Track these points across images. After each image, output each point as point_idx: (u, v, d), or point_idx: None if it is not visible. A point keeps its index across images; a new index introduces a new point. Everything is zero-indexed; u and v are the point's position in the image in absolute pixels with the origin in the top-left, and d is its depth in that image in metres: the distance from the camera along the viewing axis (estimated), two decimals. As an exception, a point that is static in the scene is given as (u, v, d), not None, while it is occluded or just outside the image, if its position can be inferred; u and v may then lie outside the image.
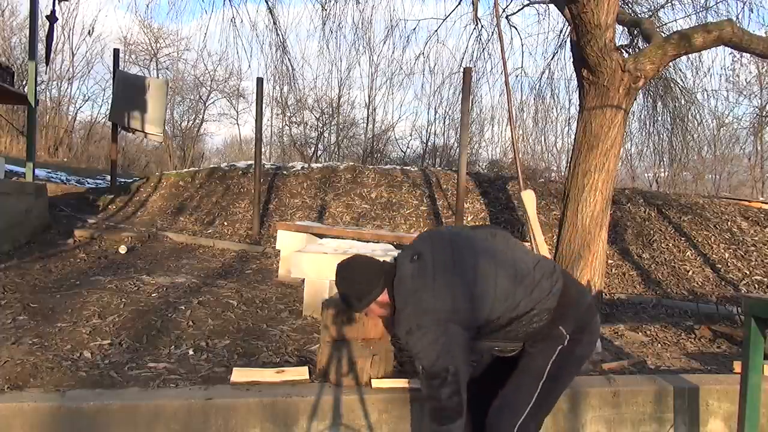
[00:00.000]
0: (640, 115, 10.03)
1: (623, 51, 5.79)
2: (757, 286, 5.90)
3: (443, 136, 15.51)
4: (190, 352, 3.25)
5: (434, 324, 1.98)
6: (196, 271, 5.15)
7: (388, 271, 2.16)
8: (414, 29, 12.08)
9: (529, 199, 3.78)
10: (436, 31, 9.26)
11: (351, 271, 2.19)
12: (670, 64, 6.98)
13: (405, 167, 9.46)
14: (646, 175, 15.59)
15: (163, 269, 5.11)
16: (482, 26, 8.80)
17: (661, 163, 11.53)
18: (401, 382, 2.83)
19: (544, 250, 3.98)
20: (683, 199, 7.89)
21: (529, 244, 4.39)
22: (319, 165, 8.99)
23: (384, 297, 2.15)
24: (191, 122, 20.16)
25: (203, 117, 20.40)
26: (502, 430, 2.16)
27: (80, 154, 16.00)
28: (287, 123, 17.52)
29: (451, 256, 2.09)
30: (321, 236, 5.09)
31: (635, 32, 6.98)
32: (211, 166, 10.63)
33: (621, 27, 6.95)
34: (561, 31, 8.93)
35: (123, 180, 9.52)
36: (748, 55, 8.22)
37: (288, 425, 2.63)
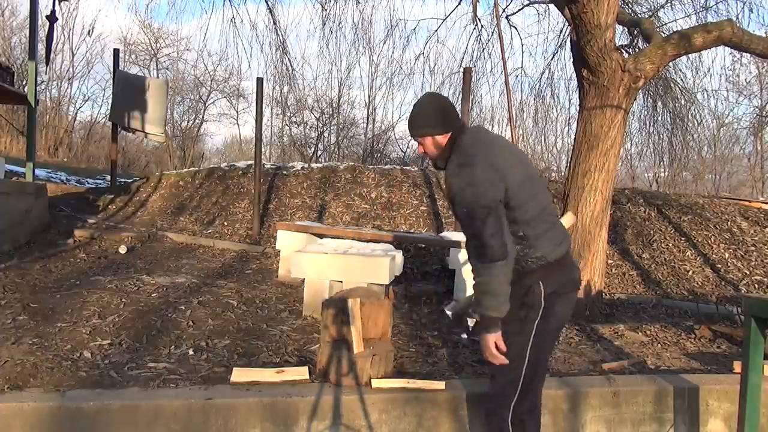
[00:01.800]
0: (640, 115, 10.05)
1: (623, 51, 5.79)
2: (757, 286, 5.90)
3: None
4: (190, 352, 3.25)
5: (488, 168, 2.10)
6: (196, 271, 5.15)
7: (460, 126, 2.28)
8: (414, 29, 12.12)
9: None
10: (436, 31, 9.29)
11: (436, 103, 2.31)
12: (670, 64, 6.99)
13: (405, 167, 9.46)
14: (646, 175, 15.59)
15: (163, 269, 5.11)
16: (482, 26, 8.82)
17: (661, 163, 11.54)
18: (401, 382, 2.83)
19: None
20: (683, 199, 7.89)
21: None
22: (319, 165, 8.99)
23: (443, 139, 2.26)
24: (191, 122, 20.17)
25: (203, 117, 20.41)
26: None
27: (80, 154, 16.00)
28: (287, 123, 17.54)
29: (521, 153, 2.34)
30: (321, 236, 5.09)
31: (635, 32, 6.98)
32: (211, 166, 10.63)
33: (621, 27, 6.96)
34: (561, 31, 8.95)
35: (123, 180, 9.52)
36: (748, 55, 8.22)
37: (288, 425, 2.63)
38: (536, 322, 2.15)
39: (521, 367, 2.17)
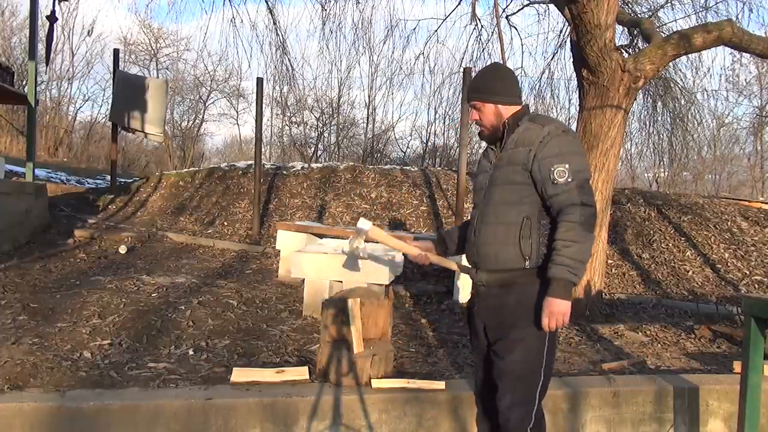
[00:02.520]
0: (640, 115, 10.05)
1: (623, 51, 5.79)
2: (757, 286, 5.90)
3: (443, 136, 15.51)
4: (190, 352, 3.25)
5: (579, 140, 2.15)
6: (196, 271, 5.15)
7: (526, 104, 2.22)
8: (414, 29, 12.11)
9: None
10: (436, 31, 9.29)
11: (506, 73, 2.25)
12: (670, 64, 6.99)
13: (405, 167, 9.46)
14: (646, 175, 15.59)
15: (163, 269, 5.11)
16: (482, 26, 8.82)
17: (661, 163, 11.54)
18: (401, 382, 2.83)
19: None
20: (683, 199, 7.89)
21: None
22: (319, 165, 8.99)
23: (507, 110, 2.16)
24: (191, 122, 20.17)
25: (203, 117, 20.40)
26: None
27: (80, 154, 15.99)
28: (287, 123, 17.54)
29: None
30: (321, 236, 5.09)
31: (635, 32, 6.98)
32: (211, 166, 10.63)
33: (621, 27, 6.96)
34: (561, 31, 8.94)
35: (123, 180, 9.52)
36: (748, 55, 8.22)
37: (288, 425, 2.63)
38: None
39: (539, 372, 2.09)
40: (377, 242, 2.48)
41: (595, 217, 2.01)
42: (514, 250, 2.06)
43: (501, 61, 4.93)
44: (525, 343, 2.06)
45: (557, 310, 1.98)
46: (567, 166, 2.00)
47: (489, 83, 2.18)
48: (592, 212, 2.00)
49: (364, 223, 2.39)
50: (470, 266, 2.24)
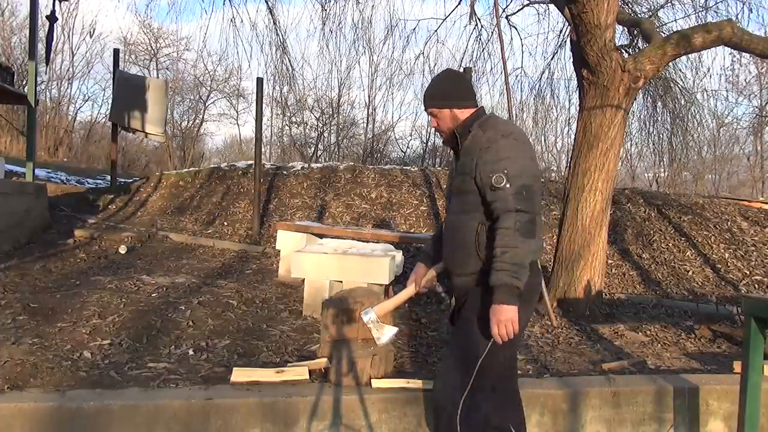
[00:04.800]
0: (640, 115, 10.04)
1: (623, 51, 5.79)
2: (757, 286, 5.90)
3: (443, 136, 15.48)
4: (190, 352, 3.25)
5: (525, 141, 2.11)
6: (196, 271, 5.15)
7: (480, 106, 2.24)
8: (414, 29, 12.08)
9: None
10: (436, 31, 9.27)
11: (458, 77, 2.32)
12: (670, 64, 6.99)
13: (405, 167, 9.45)
14: (646, 175, 15.57)
15: (163, 269, 5.11)
16: (482, 26, 8.81)
17: (661, 163, 11.53)
18: (401, 382, 2.83)
19: None
20: (683, 199, 7.89)
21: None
22: (319, 165, 8.98)
23: (464, 113, 2.20)
24: (191, 122, 20.14)
25: (203, 117, 20.37)
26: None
27: (80, 154, 15.98)
28: (287, 123, 17.52)
29: None
30: (321, 236, 5.08)
31: (635, 32, 6.98)
32: (211, 166, 10.62)
33: (621, 27, 6.95)
34: (561, 31, 8.94)
35: (123, 180, 9.51)
36: (748, 55, 8.23)
37: (288, 425, 2.64)
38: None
39: (470, 373, 2.11)
40: (384, 316, 2.55)
41: (532, 222, 2.03)
42: (473, 256, 2.14)
43: (501, 61, 4.92)
44: (471, 331, 2.16)
45: (504, 317, 2.01)
46: (505, 171, 2.03)
47: (442, 89, 2.23)
48: (528, 218, 2.02)
49: (367, 314, 2.44)
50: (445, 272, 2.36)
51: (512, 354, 2.25)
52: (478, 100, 2.26)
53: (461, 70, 7.72)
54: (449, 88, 2.23)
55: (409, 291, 2.48)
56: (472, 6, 7.94)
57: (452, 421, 2.13)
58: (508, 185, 2.02)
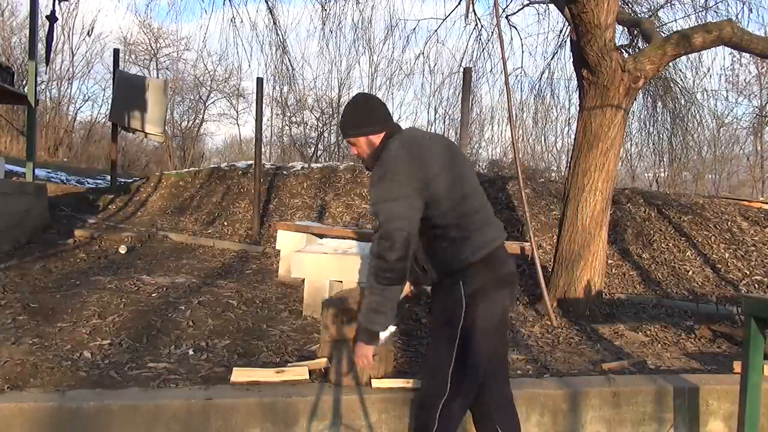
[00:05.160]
0: (640, 115, 10.05)
1: (623, 51, 5.79)
2: (757, 286, 5.90)
3: (443, 136, 15.49)
4: (190, 352, 3.25)
5: (406, 183, 2.06)
6: (196, 271, 5.15)
7: (394, 124, 2.27)
8: (414, 29, 12.09)
9: None
10: (435, 31, 9.30)
11: (365, 103, 2.31)
12: (670, 64, 6.99)
13: (405, 167, 9.41)
14: (646, 175, 15.57)
15: (163, 269, 5.11)
16: (482, 26, 8.82)
17: (661, 163, 11.53)
18: (401, 382, 2.84)
19: None
20: (683, 199, 7.89)
21: (529, 244, 4.40)
22: (319, 165, 8.98)
23: (377, 138, 2.24)
24: (191, 122, 20.16)
25: (203, 117, 20.39)
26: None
27: (80, 154, 15.99)
28: (287, 123, 17.52)
29: (455, 155, 2.26)
30: (321, 236, 5.08)
31: (635, 32, 6.98)
32: (211, 166, 10.62)
33: (621, 27, 6.96)
34: (561, 31, 8.94)
35: (123, 180, 9.52)
36: (748, 55, 8.23)
37: (288, 425, 2.64)
38: (460, 325, 2.14)
39: (447, 370, 2.16)
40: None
41: (385, 270, 2.05)
42: (423, 276, 2.34)
43: (501, 61, 4.91)
44: (433, 340, 2.29)
45: (359, 352, 2.20)
46: (377, 215, 2.09)
47: (353, 117, 2.26)
48: (381, 265, 2.05)
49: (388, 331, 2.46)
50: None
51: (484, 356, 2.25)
52: (391, 120, 2.28)
53: (461, 70, 7.72)
54: (360, 116, 2.26)
55: (404, 290, 2.52)
56: (469, 4, 7.93)
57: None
58: (375, 231, 2.11)
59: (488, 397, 2.31)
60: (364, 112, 2.26)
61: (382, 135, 2.23)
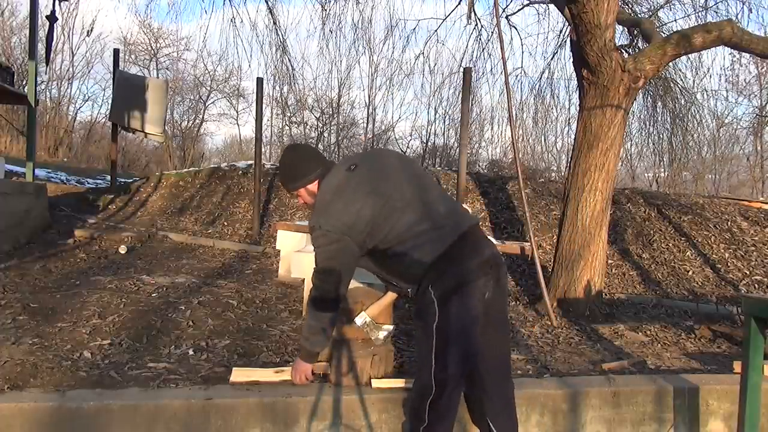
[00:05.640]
0: (640, 115, 10.05)
1: (623, 51, 5.79)
2: (757, 286, 5.90)
3: (443, 136, 15.50)
4: (190, 352, 3.25)
5: (334, 231, 2.22)
6: (196, 271, 5.15)
7: (326, 166, 2.39)
8: (414, 29, 12.10)
9: None
10: (435, 31, 9.30)
11: (295, 155, 2.43)
12: (670, 64, 6.99)
13: (405, 167, 9.41)
14: (646, 175, 15.57)
15: (163, 269, 5.11)
16: (482, 26, 8.83)
17: (661, 163, 11.54)
18: (401, 382, 2.83)
19: None
20: (683, 199, 7.89)
21: (529, 244, 4.40)
22: (319, 165, 8.96)
23: (314, 187, 2.39)
24: (191, 122, 20.15)
25: (203, 117, 20.38)
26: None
27: (80, 154, 15.99)
28: (287, 123, 17.52)
29: (382, 175, 2.31)
30: (321, 236, 5.08)
31: (635, 32, 6.98)
32: (211, 166, 10.62)
33: (621, 27, 6.96)
34: (561, 31, 8.95)
35: (123, 180, 9.52)
36: (748, 55, 8.23)
37: (288, 425, 2.63)
38: (434, 326, 2.17)
39: (430, 369, 2.20)
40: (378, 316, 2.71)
41: (320, 300, 2.33)
42: (393, 288, 2.51)
43: (501, 61, 4.91)
44: (416, 342, 2.48)
45: (297, 368, 2.52)
46: (315, 256, 2.32)
47: (288, 173, 2.41)
48: (315, 295, 2.34)
49: (361, 317, 2.63)
50: None
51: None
52: (320, 165, 2.39)
53: (461, 70, 7.72)
54: (293, 170, 2.39)
55: (394, 293, 2.60)
56: (471, 6, 7.93)
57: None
58: (317, 267, 2.34)
59: (483, 393, 2.32)
60: (295, 166, 2.39)
61: (317, 182, 2.37)
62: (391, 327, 2.48)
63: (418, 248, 2.20)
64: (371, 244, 2.26)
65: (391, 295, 2.61)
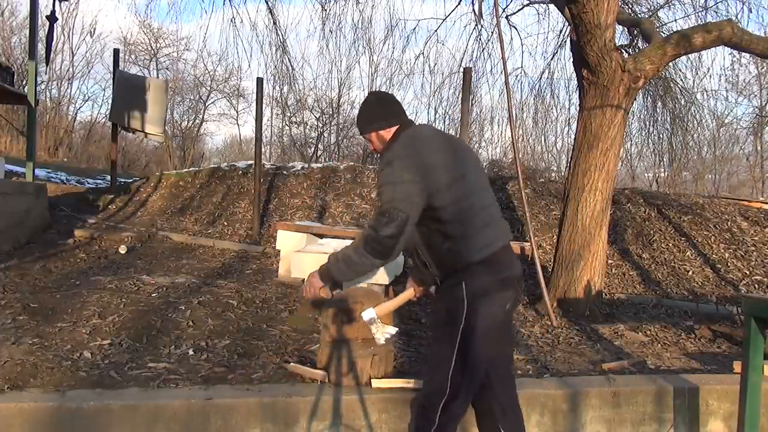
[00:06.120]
0: (640, 115, 10.05)
1: (623, 51, 5.79)
2: (757, 286, 5.90)
3: (443, 136, 15.48)
4: (190, 352, 3.25)
5: (409, 170, 2.11)
6: (196, 271, 5.15)
7: (405, 120, 2.35)
8: (414, 29, 12.10)
9: None
10: (435, 31, 9.31)
11: (376, 100, 2.42)
12: (670, 64, 6.99)
13: (405, 167, 9.40)
14: (646, 175, 15.57)
15: (163, 269, 5.11)
16: (482, 26, 8.82)
17: (661, 163, 11.54)
18: (401, 382, 2.83)
19: None
20: (683, 199, 7.89)
21: (529, 244, 4.40)
22: (319, 165, 8.98)
23: (388, 133, 2.33)
24: (191, 122, 20.16)
25: (203, 117, 20.40)
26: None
27: (80, 154, 16.00)
28: (287, 123, 17.54)
29: (465, 153, 2.33)
30: (321, 236, 5.08)
31: (635, 32, 6.98)
32: (211, 166, 10.62)
33: (621, 27, 6.96)
34: (561, 31, 8.95)
35: (123, 180, 9.52)
36: (748, 55, 8.23)
37: (288, 425, 2.64)
38: (460, 327, 2.14)
39: (447, 371, 2.16)
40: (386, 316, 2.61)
41: (374, 241, 2.12)
42: (425, 273, 2.34)
43: (501, 61, 4.91)
44: (434, 341, 2.32)
45: (310, 281, 2.40)
46: (380, 196, 2.17)
47: (366, 115, 2.38)
48: (372, 236, 2.13)
49: (368, 314, 2.48)
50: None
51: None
52: (403, 115, 2.35)
53: (461, 70, 7.72)
54: (371, 113, 2.37)
55: (408, 293, 2.52)
56: (479, 6, 7.94)
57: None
58: (377, 208, 2.19)
59: (493, 400, 2.31)
60: (375, 110, 2.36)
61: (392, 130, 2.32)
62: (395, 329, 2.46)
63: (469, 239, 2.16)
64: (431, 211, 2.15)
65: (403, 297, 2.54)
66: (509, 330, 2.43)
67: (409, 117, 2.40)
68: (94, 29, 16.79)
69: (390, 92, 2.60)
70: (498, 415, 2.31)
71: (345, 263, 2.24)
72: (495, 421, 2.32)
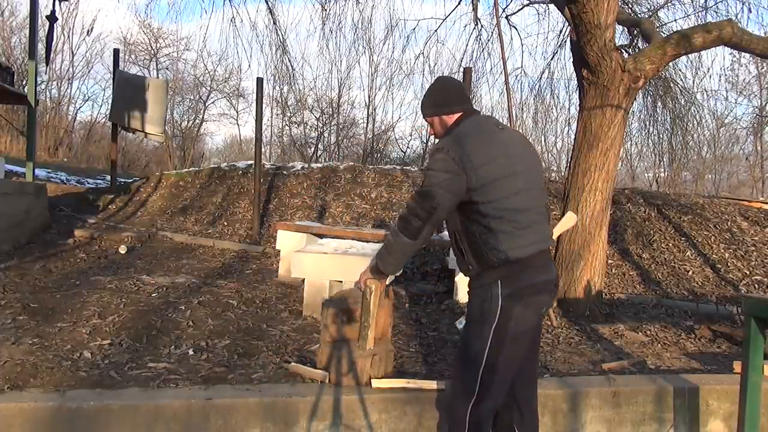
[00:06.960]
0: (640, 115, 10.06)
1: (623, 51, 5.79)
2: (757, 286, 5.90)
3: (443, 136, 15.49)
4: (190, 352, 3.25)
5: (458, 161, 2.12)
6: (196, 271, 5.15)
7: (468, 108, 2.34)
8: (414, 29, 12.09)
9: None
10: (435, 31, 9.29)
11: (442, 85, 2.41)
12: (670, 64, 6.99)
13: (405, 167, 9.46)
14: (646, 175, 15.58)
15: (163, 269, 5.11)
16: (482, 26, 8.82)
17: (661, 163, 11.55)
18: (401, 382, 2.83)
19: None
20: (683, 199, 7.89)
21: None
22: (319, 165, 8.98)
23: (450, 119, 2.32)
24: (191, 122, 20.15)
25: (203, 117, 20.39)
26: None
27: (80, 154, 16.00)
28: (287, 123, 17.54)
29: (523, 150, 2.29)
30: (321, 236, 5.08)
31: (635, 32, 6.98)
32: (211, 166, 10.63)
33: (621, 27, 6.96)
34: (561, 31, 8.95)
35: (123, 180, 9.52)
36: (748, 55, 8.23)
37: (288, 425, 2.64)
38: (493, 325, 2.12)
39: (477, 370, 2.14)
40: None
41: (403, 219, 2.19)
42: (461, 261, 2.31)
43: (501, 61, 4.92)
44: (464, 339, 2.27)
45: (363, 277, 2.40)
46: (424, 178, 2.21)
47: (430, 99, 2.38)
48: (404, 214, 2.21)
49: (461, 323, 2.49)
50: None
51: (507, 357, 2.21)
52: (467, 103, 2.33)
53: (461, 70, 7.73)
54: (436, 97, 2.36)
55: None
56: (475, 8, 7.93)
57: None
58: (416, 191, 2.23)
59: (513, 403, 2.29)
60: (440, 94, 2.36)
61: (455, 116, 2.31)
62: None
63: (508, 236, 2.13)
64: (475, 202, 2.15)
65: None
66: (539, 334, 2.40)
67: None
68: (92, 28, 16.74)
69: (457, 79, 2.62)
70: (516, 419, 2.30)
71: (385, 248, 2.28)
72: (512, 423, 2.30)
